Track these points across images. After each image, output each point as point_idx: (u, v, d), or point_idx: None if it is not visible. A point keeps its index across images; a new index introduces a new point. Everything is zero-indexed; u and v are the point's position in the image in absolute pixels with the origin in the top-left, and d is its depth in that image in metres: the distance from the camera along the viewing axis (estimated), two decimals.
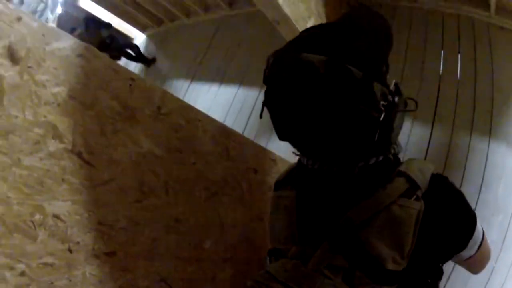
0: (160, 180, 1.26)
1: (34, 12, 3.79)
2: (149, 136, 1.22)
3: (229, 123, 3.45)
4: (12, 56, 0.83)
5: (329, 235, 0.77)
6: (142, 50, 5.75)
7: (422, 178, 0.76)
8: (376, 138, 0.75)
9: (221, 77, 4.03)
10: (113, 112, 1.10)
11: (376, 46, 0.77)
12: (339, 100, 0.70)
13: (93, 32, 5.34)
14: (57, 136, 0.91)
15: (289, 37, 2.47)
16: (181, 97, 4.04)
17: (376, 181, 0.78)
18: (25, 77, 0.83)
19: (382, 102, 0.74)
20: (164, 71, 5.11)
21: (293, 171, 0.95)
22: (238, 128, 3.28)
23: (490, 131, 2.43)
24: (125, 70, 1.17)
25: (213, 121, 1.50)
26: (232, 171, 1.54)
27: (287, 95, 0.75)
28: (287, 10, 2.25)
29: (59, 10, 4.92)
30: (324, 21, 2.73)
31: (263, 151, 1.76)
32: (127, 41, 5.78)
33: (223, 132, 1.53)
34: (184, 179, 1.34)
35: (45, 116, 0.88)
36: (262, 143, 2.97)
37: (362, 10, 0.94)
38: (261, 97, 2.92)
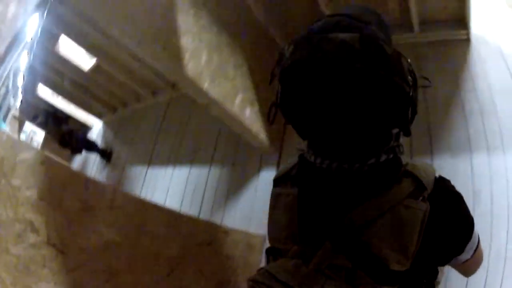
0: (123, 261, 1.51)
1: None
2: (108, 226, 1.51)
3: (186, 202, 3.79)
4: None
5: (332, 234, 0.80)
6: (100, 137, 6.12)
7: (427, 179, 0.80)
8: (409, 116, 0.80)
9: (174, 159, 4.39)
10: (76, 208, 1.40)
11: (382, 30, 0.84)
12: (376, 74, 0.73)
13: (53, 128, 5.70)
14: (35, 231, 1.18)
15: (222, 115, 2.82)
16: (141, 183, 4.21)
17: (383, 180, 0.81)
18: (3, 181, 1.12)
19: (409, 77, 0.78)
20: (123, 157, 5.40)
21: (294, 168, 0.97)
22: (195, 206, 3.63)
23: (431, 149, 2.62)
24: (80, 173, 1.49)
25: (159, 207, 1.82)
26: (186, 247, 1.81)
27: (319, 75, 0.75)
28: (213, 93, 2.53)
29: (20, 95, 5.14)
30: (253, 95, 2.93)
31: (213, 225, 2.06)
32: (86, 137, 6.11)
33: (170, 215, 1.84)
34: (144, 258, 1.60)
35: (23, 214, 1.15)
36: (218, 216, 3.31)
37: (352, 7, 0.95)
38: (212, 174, 3.23)
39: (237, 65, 2.79)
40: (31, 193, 1.23)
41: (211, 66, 2.53)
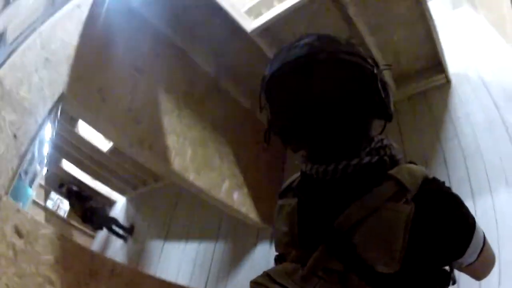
0: None
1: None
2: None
3: (196, 274, 4.35)
4: (18, 233, 1.70)
5: (324, 238, 0.87)
6: (123, 212, 6.68)
7: (411, 181, 0.83)
8: (383, 96, 0.89)
9: (186, 235, 4.94)
10: (84, 272, 1.98)
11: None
12: (337, 60, 0.86)
13: (76, 205, 6.35)
14: (52, 283, 1.75)
15: (211, 201, 3.24)
16: (158, 255, 4.90)
17: (367, 183, 0.86)
18: (28, 247, 1.70)
19: (368, 59, 0.90)
20: (143, 232, 5.96)
21: (295, 180, 1.07)
22: (202, 277, 4.20)
23: None
24: (87, 248, 2.10)
25: (152, 276, 2.39)
26: None
27: (293, 76, 0.86)
28: (199, 183, 2.96)
29: (45, 163, 5.78)
30: (241, 179, 3.36)
31: None
32: (108, 215, 6.66)
33: (162, 282, 2.39)
34: None
35: (43, 271, 1.73)
36: (221, 286, 3.82)
37: None
38: (218, 249, 3.86)
39: (223, 155, 3.23)
40: (49, 257, 1.81)
41: (196, 160, 2.95)
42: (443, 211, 0.83)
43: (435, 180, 0.89)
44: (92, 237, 7.33)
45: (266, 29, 2.74)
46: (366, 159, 0.89)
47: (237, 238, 4.12)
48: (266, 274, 0.90)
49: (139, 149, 2.62)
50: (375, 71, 0.89)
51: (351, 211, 0.84)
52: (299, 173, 1.07)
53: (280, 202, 1.07)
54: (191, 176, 2.95)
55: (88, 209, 6.29)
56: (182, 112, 3.03)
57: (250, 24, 2.76)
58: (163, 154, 2.79)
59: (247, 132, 3.52)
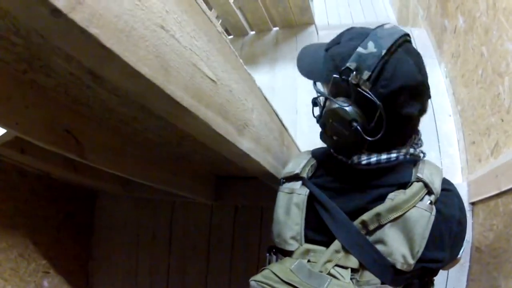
0: None
1: None
2: None
3: None
4: None
5: (341, 236, 0.85)
6: None
7: (434, 184, 0.85)
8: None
9: None
10: None
11: None
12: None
13: None
14: None
15: None
16: None
17: (396, 182, 0.87)
18: None
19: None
20: None
21: (306, 167, 1.01)
22: None
23: None
24: None
25: None
26: None
27: None
28: None
29: None
30: (47, 266, 3.28)
31: None
32: None
33: None
34: None
35: None
36: None
37: None
38: None
39: (22, 251, 3.15)
40: None
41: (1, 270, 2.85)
42: (455, 215, 0.87)
43: (448, 184, 0.91)
44: None
45: None
46: (394, 155, 0.91)
47: None
48: (270, 271, 0.85)
49: None
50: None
51: (382, 211, 0.83)
52: (304, 161, 1.02)
53: (285, 189, 1.00)
54: None
55: None
56: None
57: None
58: None
59: (41, 208, 3.35)
